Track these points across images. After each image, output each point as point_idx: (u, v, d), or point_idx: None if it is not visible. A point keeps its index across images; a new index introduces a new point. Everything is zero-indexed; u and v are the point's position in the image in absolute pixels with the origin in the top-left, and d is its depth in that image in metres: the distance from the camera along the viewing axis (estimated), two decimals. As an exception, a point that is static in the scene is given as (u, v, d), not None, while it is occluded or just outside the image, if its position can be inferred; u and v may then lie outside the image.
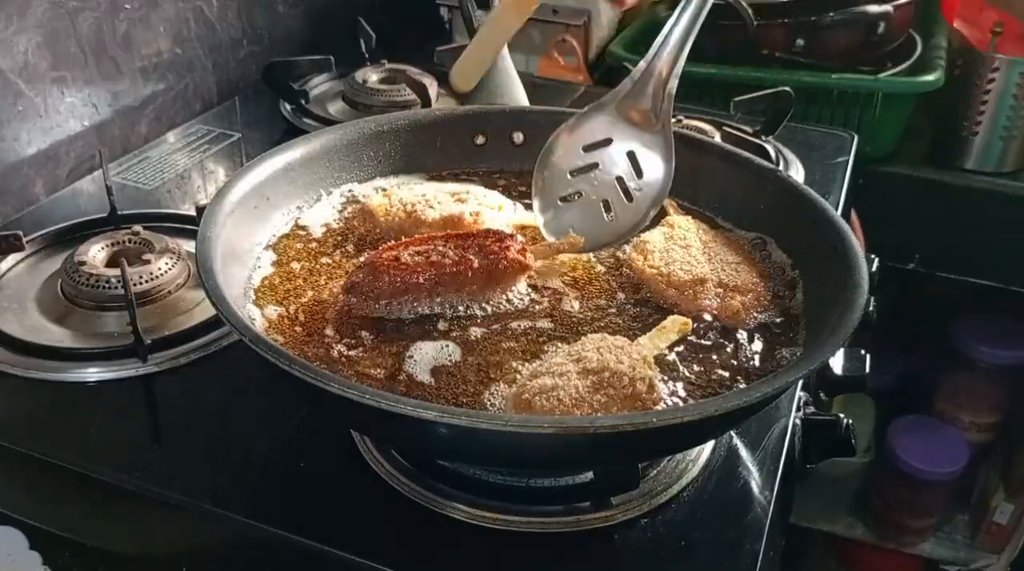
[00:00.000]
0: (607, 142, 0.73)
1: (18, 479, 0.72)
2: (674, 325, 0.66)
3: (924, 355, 1.48)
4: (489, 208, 0.78)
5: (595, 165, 0.73)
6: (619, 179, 0.72)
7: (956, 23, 1.37)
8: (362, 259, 0.71)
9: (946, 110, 1.34)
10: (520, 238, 0.71)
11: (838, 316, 0.58)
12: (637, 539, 0.62)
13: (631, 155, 0.72)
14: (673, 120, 1.09)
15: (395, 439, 0.64)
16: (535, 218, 0.74)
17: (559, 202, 0.73)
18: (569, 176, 0.73)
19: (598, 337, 0.62)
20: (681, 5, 0.71)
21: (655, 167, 0.72)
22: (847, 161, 1.13)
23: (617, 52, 1.34)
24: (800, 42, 1.30)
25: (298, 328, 0.66)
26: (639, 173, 0.72)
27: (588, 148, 0.73)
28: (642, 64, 0.72)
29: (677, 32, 0.71)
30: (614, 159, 0.73)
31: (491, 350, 0.65)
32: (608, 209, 0.73)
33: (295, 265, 0.73)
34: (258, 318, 0.67)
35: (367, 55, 1.30)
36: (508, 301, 0.69)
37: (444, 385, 0.62)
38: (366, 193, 0.82)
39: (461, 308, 0.68)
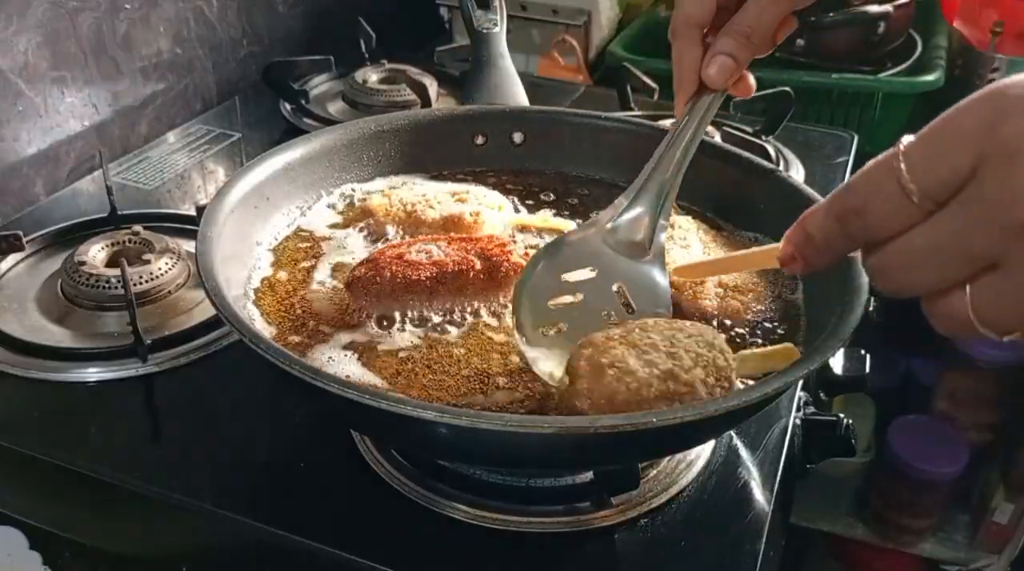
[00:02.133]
0: (592, 274, 0.64)
1: (18, 479, 0.72)
2: (783, 353, 0.60)
3: (924, 355, 1.47)
4: (489, 208, 0.78)
5: (579, 297, 0.63)
6: (608, 315, 0.63)
7: (956, 23, 1.37)
8: (364, 256, 0.71)
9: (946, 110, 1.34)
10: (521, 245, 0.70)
11: (838, 316, 0.58)
12: (637, 539, 0.62)
13: (619, 290, 0.64)
14: (672, 120, 1.10)
15: (395, 439, 0.64)
16: (525, 355, 0.61)
17: (543, 336, 0.62)
18: (551, 307, 0.63)
19: (710, 330, 0.58)
20: (673, 132, 0.65)
21: (649, 300, 0.64)
22: (847, 161, 1.13)
23: (617, 52, 1.34)
24: (800, 42, 1.30)
25: (298, 327, 0.66)
26: (630, 308, 0.63)
27: (570, 279, 0.64)
28: (630, 193, 0.66)
29: (676, 153, 0.65)
30: (601, 292, 0.63)
31: (489, 348, 0.65)
32: None
33: (295, 265, 0.73)
34: (258, 318, 0.67)
35: (367, 55, 1.30)
36: (507, 306, 0.69)
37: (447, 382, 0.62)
38: (366, 193, 0.82)
39: (457, 313, 0.68)
